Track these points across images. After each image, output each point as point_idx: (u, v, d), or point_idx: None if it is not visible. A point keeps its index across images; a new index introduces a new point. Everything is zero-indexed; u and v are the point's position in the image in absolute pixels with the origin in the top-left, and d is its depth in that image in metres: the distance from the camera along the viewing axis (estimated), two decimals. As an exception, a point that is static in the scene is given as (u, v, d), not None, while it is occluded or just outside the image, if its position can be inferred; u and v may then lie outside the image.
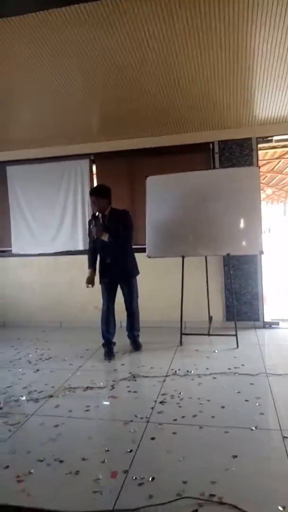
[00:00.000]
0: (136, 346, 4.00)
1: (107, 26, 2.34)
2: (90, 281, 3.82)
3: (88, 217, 4.98)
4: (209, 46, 2.65)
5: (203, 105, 3.76)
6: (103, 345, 3.86)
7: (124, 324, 4.05)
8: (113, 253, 3.75)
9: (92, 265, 3.90)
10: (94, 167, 5.03)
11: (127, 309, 3.96)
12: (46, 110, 3.70)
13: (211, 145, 4.65)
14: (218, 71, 3.02)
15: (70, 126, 4.23)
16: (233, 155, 4.59)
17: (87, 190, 4.97)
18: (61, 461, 2.13)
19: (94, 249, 3.89)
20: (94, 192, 3.76)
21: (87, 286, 3.83)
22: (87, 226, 3.99)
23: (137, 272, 3.94)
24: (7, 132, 4.44)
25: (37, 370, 3.58)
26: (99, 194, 3.72)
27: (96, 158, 4.99)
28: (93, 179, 5.03)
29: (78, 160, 4.98)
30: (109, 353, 3.81)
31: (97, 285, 3.87)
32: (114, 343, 3.90)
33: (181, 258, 4.16)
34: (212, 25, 2.39)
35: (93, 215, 3.76)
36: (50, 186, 5.07)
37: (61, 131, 4.42)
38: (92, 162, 5.00)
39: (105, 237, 3.66)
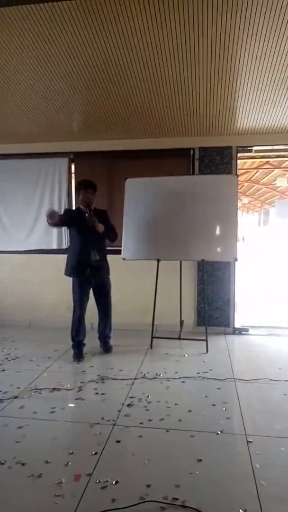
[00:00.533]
0: (106, 348, 3.96)
1: (92, 26, 2.32)
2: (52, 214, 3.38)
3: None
4: (195, 55, 2.67)
5: (186, 111, 3.79)
6: (73, 346, 3.81)
7: (94, 325, 4.00)
8: (100, 251, 3.74)
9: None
10: (73, 166, 4.97)
11: (102, 310, 3.92)
12: (28, 106, 3.63)
13: (191, 151, 4.69)
14: (203, 79, 3.06)
15: (52, 123, 4.17)
16: (213, 162, 4.65)
17: (64, 189, 4.91)
18: (23, 464, 2.08)
19: (68, 218, 3.72)
20: (91, 185, 3.75)
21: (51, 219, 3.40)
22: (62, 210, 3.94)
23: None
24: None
25: (3, 370, 3.48)
26: (94, 188, 3.76)
27: (76, 157, 4.94)
28: (71, 178, 4.97)
29: (57, 158, 4.91)
30: (79, 355, 3.76)
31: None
32: (84, 344, 3.85)
33: (156, 262, 4.17)
34: (199, 34, 2.42)
35: (77, 208, 3.77)
36: (26, 183, 4.98)
37: (41, 128, 4.35)
38: (71, 161, 4.95)
39: (100, 229, 3.65)
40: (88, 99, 3.49)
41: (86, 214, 3.64)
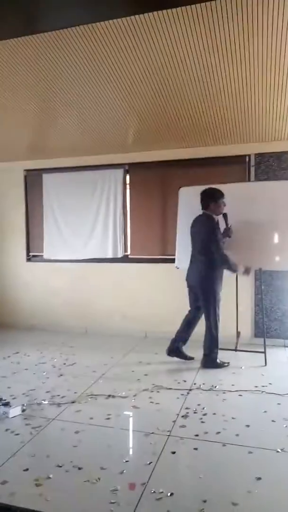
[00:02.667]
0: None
1: (151, 40, 2.38)
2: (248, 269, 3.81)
3: (120, 226, 5.03)
4: (248, 61, 2.64)
5: (241, 118, 3.73)
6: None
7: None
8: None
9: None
10: (127, 177, 5.08)
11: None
12: (85, 119, 3.77)
13: (247, 157, 4.59)
14: (257, 84, 3.00)
15: (108, 136, 4.30)
16: (269, 168, 4.51)
17: (119, 199, 5.02)
18: (79, 468, 2.11)
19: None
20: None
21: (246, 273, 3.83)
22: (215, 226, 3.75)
23: None
24: (44, 140, 4.57)
25: (61, 375, 3.59)
26: None
27: (130, 168, 5.04)
28: (126, 189, 5.08)
29: (113, 169, 5.05)
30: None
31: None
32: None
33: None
34: (254, 41, 2.39)
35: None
36: (83, 194, 5.16)
37: (98, 141, 4.50)
38: (126, 172, 5.06)
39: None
40: (143, 111, 3.55)
41: (230, 226, 3.81)
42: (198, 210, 3.90)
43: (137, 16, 2.14)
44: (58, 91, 3.11)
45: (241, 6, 2.07)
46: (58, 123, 3.92)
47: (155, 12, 2.11)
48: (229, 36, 2.35)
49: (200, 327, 3.85)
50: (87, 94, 3.18)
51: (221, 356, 4.01)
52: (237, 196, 4.11)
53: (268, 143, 4.48)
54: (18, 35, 2.33)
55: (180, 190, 4.37)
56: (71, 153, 5.04)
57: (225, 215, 3.83)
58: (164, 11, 2.10)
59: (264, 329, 4.17)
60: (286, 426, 2.56)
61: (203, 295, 3.75)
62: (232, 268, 3.70)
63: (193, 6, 2.06)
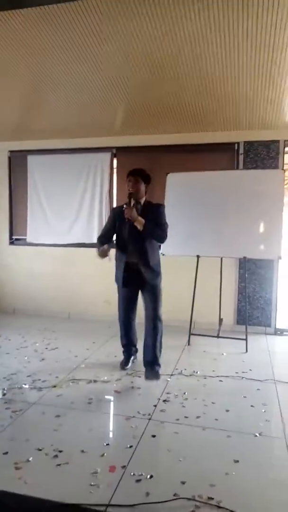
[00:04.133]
0: (153, 371, 3.17)
1: (144, 19, 2.31)
2: (104, 253, 3.19)
3: (105, 211, 4.96)
4: (239, 46, 2.59)
5: (230, 104, 3.69)
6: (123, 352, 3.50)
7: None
8: (140, 251, 3.14)
9: (103, 243, 3.27)
10: (115, 161, 5.00)
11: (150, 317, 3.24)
12: (72, 100, 3.68)
13: (236, 145, 4.57)
14: (247, 70, 2.96)
15: (95, 118, 4.21)
16: (258, 156, 4.50)
17: (106, 183, 4.95)
18: (60, 451, 2.11)
19: (109, 232, 3.34)
20: (136, 172, 3.18)
21: (103, 258, 3.19)
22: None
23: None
24: (30, 121, 4.45)
25: (43, 359, 3.58)
26: (140, 175, 3.18)
27: (118, 152, 4.96)
28: (113, 173, 5.01)
29: (100, 153, 4.96)
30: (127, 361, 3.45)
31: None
32: (135, 349, 3.51)
33: (196, 258, 4.10)
34: (244, 25, 2.34)
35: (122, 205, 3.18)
36: (69, 178, 5.07)
37: (85, 123, 4.40)
38: (113, 155, 4.98)
39: (140, 225, 3.05)
40: (133, 94, 3.48)
41: (125, 205, 3.11)
42: (185, 196, 3.88)
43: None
44: (45, 68, 3.01)
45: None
46: (44, 103, 3.82)
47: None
48: (219, 19, 2.29)
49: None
50: (74, 73, 3.08)
51: (204, 342, 4.06)
52: (224, 184, 4.11)
53: (258, 131, 4.46)
54: (3, 9, 2.24)
55: (168, 176, 4.33)
56: (58, 135, 4.92)
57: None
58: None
59: (246, 317, 4.22)
60: (264, 411, 2.62)
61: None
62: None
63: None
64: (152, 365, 3.18)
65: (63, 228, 5.14)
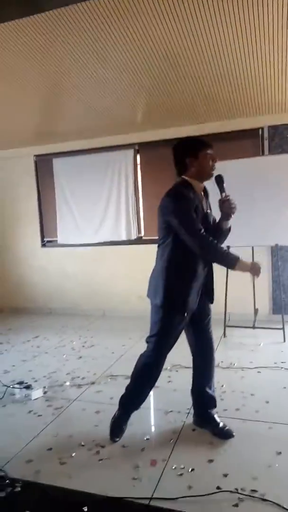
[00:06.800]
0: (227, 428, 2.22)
1: (158, 15, 2.29)
2: (259, 269, 2.19)
3: (132, 208, 4.98)
4: (260, 33, 2.53)
5: (253, 89, 3.59)
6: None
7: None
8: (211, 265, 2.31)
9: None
10: (138, 157, 5.00)
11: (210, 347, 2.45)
12: (92, 100, 3.70)
13: (260, 130, 4.45)
14: (269, 54, 2.87)
15: (116, 116, 4.22)
16: (283, 140, 4.36)
17: (131, 180, 4.96)
18: (102, 446, 2.15)
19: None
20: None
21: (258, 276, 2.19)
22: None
23: None
24: (52, 125, 4.52)
25: (80, 357, 3.65)
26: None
27: (141, 147, 4.95)
28: (137, 170, 5.01)
29: (123, 150, 4.97)
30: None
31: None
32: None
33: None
34: (264, 13, 2.27)
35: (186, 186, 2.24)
36: (94, 177, 5.12)
37: (106, 121, 4.42)
38: (136, 152, 4.98)
39: (227, 225, 2.31)
40: (152, 86, 3.45)
41: (223, 194, 2.25)
42: (211, 187, 3.80)
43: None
44: (64, 72, 3.05)
45: None
46: (64, 106, 3.87)
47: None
48: (238, 7, 2.23)
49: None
50: (93, 73, 3.10)
51: (240, 333, 3.99)
52: (251, 171, 4.01)
53: (281, 114, 4.32)
54: (21, 16, 2.28)
55: (192, 168, 4.28)
56: (79, 136, 4.97)
57: (218, 179, 2.36)
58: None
59: (282, 306, 4.12)
60: (306, 401, 2.55)
61: (152, 316, 2.23)
62: (230, 262, 2.19)
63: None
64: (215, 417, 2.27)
65: (91, 228, 5.21)
